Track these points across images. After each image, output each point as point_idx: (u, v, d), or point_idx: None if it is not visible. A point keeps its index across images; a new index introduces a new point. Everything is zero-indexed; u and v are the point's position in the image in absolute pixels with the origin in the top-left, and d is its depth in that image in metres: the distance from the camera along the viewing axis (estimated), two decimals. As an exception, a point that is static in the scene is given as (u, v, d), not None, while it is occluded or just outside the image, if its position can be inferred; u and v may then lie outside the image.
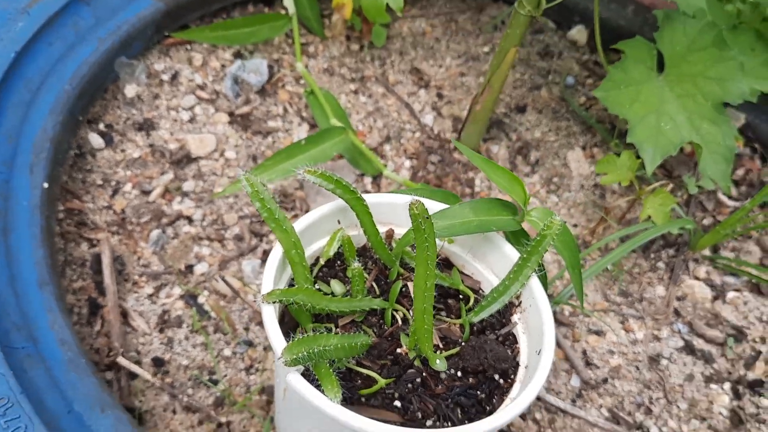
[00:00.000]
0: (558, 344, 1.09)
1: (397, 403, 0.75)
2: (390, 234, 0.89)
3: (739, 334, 1.14)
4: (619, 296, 1.18)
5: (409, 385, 0.77)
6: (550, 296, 1.11)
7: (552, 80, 1.51)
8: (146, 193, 1.15)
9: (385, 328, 0.83)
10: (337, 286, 0.85)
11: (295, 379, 0.69)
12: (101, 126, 1.20)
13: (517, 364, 0.81)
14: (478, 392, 0.78)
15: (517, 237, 0.87)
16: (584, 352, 1.10)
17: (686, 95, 1.14)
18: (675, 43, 1.16)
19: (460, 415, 0.76)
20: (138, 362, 0.97)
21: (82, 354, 0.84)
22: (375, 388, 0.75)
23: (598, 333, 1.12)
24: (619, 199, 1.29)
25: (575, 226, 1.28)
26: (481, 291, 0.90)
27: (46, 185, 0.98)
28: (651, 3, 1.50)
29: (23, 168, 0.97)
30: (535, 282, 0.83)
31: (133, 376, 0.95)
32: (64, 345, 0.83)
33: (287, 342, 0.70)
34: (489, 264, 0.89)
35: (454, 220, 0.82)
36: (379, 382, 0.76)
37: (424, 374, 0.78)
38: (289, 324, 0.82)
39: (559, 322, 1.12)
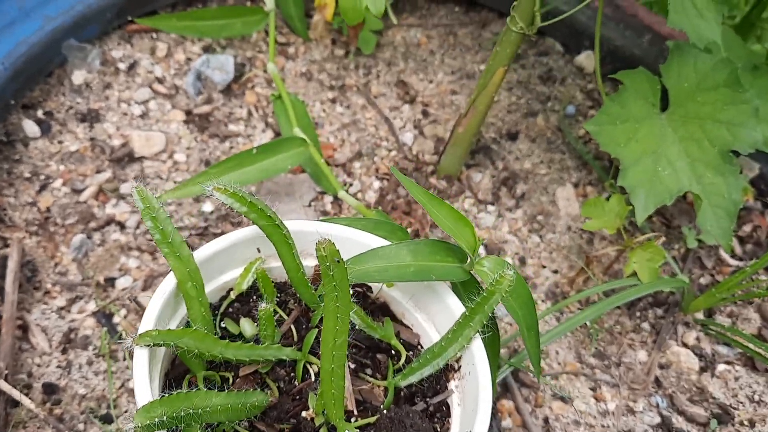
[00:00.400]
0: (517, 409, 0.95)
1: (287, 482, 0.63)
2: (319, 271, 0.77)
3: (725, 415, 1.00)
4: (594, 357, 1.04)
5: (307, 460, 0.64)
6: (510, 355, 0.98)
7: (551, 107, 1.38)
8: (77, 191, 1.04)
9: (295, 384, 0.70)
10: (247, 326, 0.72)
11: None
12: (39, 113, 1.09)
13: (444, 444, 0.68)
14: (389, 477, 0.65)
15: (467, 288, 0.74)
16: (546, 420, 0.96)
17: (690, 138, 1.01)
18: (683, 79, 1.02)
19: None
20: (28, 386, 0.85)
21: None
22: (262, 461, 0.63)
23: (564, 399, 0.98)
24: (608, 246, 1.15)
25: (555, 272, 1.14)
26: (419, 347, 0.77)
27: (-52, 174, 0.86)
28: (669, 33, 1.37)
29: (-75, 153, 0.86)
30: (477, 346, 0.70)
31: (15, 403, 0.83)
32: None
33: (156, 396, 0.57)
34: (431, 316, 0.76)
35: (388, 262, 0.69)
36: (270, 451, 0.63)
37: (329, 446, 0.66)
38: (180, 369, 0.70)
39: (521, 382, 0.98)
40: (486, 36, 1.49)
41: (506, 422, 0.94)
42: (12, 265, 0.92)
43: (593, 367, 1.03)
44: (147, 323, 0.64)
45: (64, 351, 0.90)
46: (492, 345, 0.73)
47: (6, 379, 0.82)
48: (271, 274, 0.76)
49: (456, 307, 0.73)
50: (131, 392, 0.88)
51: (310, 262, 0.77)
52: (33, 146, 1.06)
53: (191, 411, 0.56)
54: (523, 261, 1.15)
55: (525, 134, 1.33)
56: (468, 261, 0.72)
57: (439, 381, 0.72)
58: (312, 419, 0.66)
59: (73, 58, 1.12)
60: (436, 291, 0.74)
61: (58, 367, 0.88)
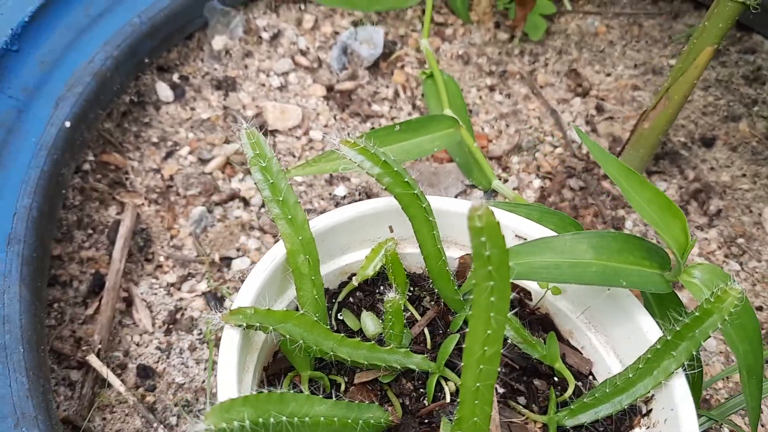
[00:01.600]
0: (704, 476, 0.73)
1: None
2: (466, 263, 0.60)
3: None
4: (814, 426, 0.79)
5: None
6: (703, 405, 0.76)
7: (758, 112, 1.13)
8: (204, 161, 0.95)
9: (424, 403, 0.53)
10: (370, 321, 0.57)
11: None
12: (175, 77, 1.01)
13: None
14: None
15: (663, 304, 0.54)
16: (743, 499, 0.73)
17: None
18: None
19: None
20: (122, 366, 0.75)
21: (27, 340, 0.63)
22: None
23: (771, 475, 0.74)
24: (835, 283, 0.89)
25: (760, 309, 0.90)
26: (591, 377, 0.58)
27: (68, 124, 0.79)
28: None
29: (47, 99, 0.80)
30: (679, 384, 0.50)
31: (108, 384, 0.73)
32: (5, 324, 0.62)
33: (246, 393, 0.43)
34: (611, 338, 0.57)
35: (561, 257, 0.51)
36: (383, 490, 0.47)
37: (463, 493, 0.48)
38: (282, 365, 0.55)
39: (712, 445, 0.76)
40: (678, 28, 1.26)
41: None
42: (123, 230, 0.83)
43: (812, 437, 0.78)
44: (244, 299, 0.50)
45: (167, 332, 0.79)
46: (695, 388, 0.53)
47: (98, 356, 0.72)
48: (405, 261, 0.60)
49: (650, 330, 0.53)
50: (231, 389, 0.75)
51: (453, 253, 0.60)
52: (164, 110, 0.98)
53: (284, 419, 0.41)
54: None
55: (723, 141, 1.09)
56: (672, 267, 0.53)
57: (621, 426, 0.53)
58: (443, 453, 0.49)
59: (215, 22, 1.04)
60: (621, 305, 0.55)
61: (158, 348, 0.77)
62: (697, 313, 0.49)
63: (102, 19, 0.89)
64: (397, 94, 1.07)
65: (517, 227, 0.58)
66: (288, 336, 0.48)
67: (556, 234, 0.55)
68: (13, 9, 0.81)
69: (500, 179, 0.99)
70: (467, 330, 0.44)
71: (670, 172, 1.05)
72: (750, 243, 0.98)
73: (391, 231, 0.60)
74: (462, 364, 0.45)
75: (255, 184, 0.51)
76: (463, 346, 0.50)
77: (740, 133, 1.11)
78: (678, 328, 0.49)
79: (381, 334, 0.56)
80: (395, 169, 0.52)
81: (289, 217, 0.51)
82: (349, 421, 0.45)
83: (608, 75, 1.18)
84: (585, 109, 1.12)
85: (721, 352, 0.85)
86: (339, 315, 0.58)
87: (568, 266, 0.51)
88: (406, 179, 0.52)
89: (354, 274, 0.60)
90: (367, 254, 0.59)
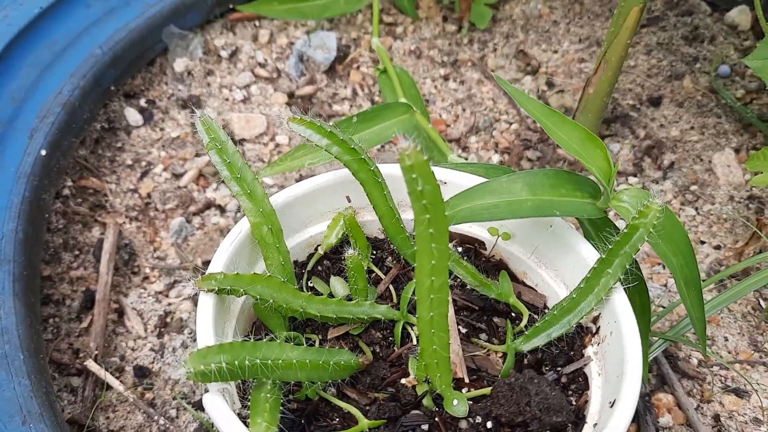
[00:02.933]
0: (678, 404, 0.77)
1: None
2: (421, 221, 0.65)
3: None
4: (777, 345, 0.83)
5: (406, 434, 0.52)
6: (662, 329, 0.81)
7: (700, 69, 1.19)
8: (177, 176, 0.99)
9: (394, 348, 0.58)
10: (338, 285, 0.62)
11: (210, 401, 0.46)
12: (142, 101, 1.06)
13: (581, 419, 0.53)
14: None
15: (599, 231, 0.59)
16: (716, 418, 0.77)
17: None
18: None
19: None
20: (119, 370, 0.79)
21: (26, 348, 0.67)
22: (349, 432, 0.51)
23: (739, 393, 0.79)
24: (784, 213, 0.94)
25: (718, 248, 0.95)
26: (546, 310, 0.63)
27: (44, 152, 0.84)
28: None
29: (21, 131, 0.85)
30: (619, 298, 0.55)
31: (108, 386, 0.77)
32: (4, 335, 0.67)
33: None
34: (559, 271, 0.62)
35: (498, 198, 0.56)
36: (360, 423, 0.51)
37: (434, 420, 0.53)
38: (260, 333, 0.60)
39: (681, 372, 0.80)
40: (617, 1, 1.33)
41: (665, 419, 0.76)
42: (107, 246, 0.88)
43: (776, 355, 0.82)
44: (214, 269, 0.55)
45: (159, 335, 0.83)
46: (640, 298, 0.58)
47: (96, 361, 0.77)
48: (365, 228, 0.65)
49: (590, 256, 0.58)
50: (225, 378, 0.79)
51: (409, 215, 0.65)
52: (135, 134, 1.03)
53: (258, 361, 0.46)
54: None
55: (670, 99, 1.15)
56: (602, 196, 0.58)
57: (573, 346, 0.58)
58: (413, 387, 0.54)
59: (174, 46, 1.10)
60: (563, 239, 0.60)
61: (152, 350, 0.81)
62: (625, 230, 0.54)
63: (66, 53, 0.95)
64: (355, 92, 1.13)
65: (459, 181, 0.63)
66: (259, 297, 0.52)
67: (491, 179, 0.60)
68: (-21, 52, 0.87)
69: (460, 159, 1.04)
70: (415, 266, 0.49)
71: (622, 133, 1.11)
72: (703, 189, 1.03)
73: (349, 201, 0.65)
74: (416, 297, 0.50)
75: (214, 166, 0.56)
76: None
77: (685, 90, 1.16)
78: (611, 246, 0.54)
79: (349, 296, 0.61)
80: (341, 138, 0.57)
81: (249, 191, 0.56)
82: (321, 362, 0.50)
83: (555, 52, 1.23)
84: (536, 86, 1.17)
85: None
86: (310, 283, 0.63)
87: (506, 205, 0.56)
88: (352, 146, 0.57)
89: (320, 245, 0.65)
90: (328, 225, 0.64)
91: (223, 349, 0.45)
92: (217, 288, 0.51)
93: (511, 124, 1.11)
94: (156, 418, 0.75)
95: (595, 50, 1.23)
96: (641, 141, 1.09)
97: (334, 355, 0.52)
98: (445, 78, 1.18)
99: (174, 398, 0.77)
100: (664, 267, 0.92)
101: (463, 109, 1.13)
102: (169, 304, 0.87)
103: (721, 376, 0.80)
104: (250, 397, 0.48)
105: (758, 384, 0.79)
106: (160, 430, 0.75)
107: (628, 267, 0.54)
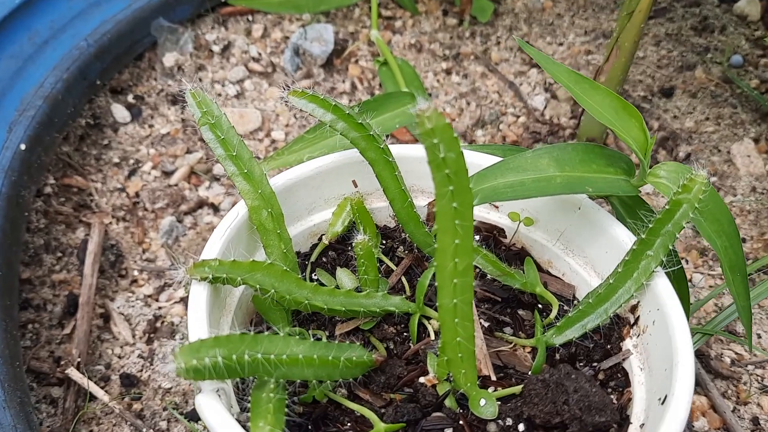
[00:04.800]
0: (713, 407, 0.71)
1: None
2: (434, 209, 0.59)
3: None
4: (814, 341, 0.78)
5: (427, 439, 0.46)
6: (697, 323, 0.75)
7: (712, 59, 1.15)
8: (168, 174, 0.94)
9: (409, 345, 0.52)
10: (345, 277, 0.56)
11: (204, 403, 0.40)
12: (129, 97, 1.01)
13: (625, 420, 0.47)
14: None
15: (632, 211, 0.53)
16: (755, 421, 0.71)
17: None
18: None
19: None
20: (105, 378, 0.73)
21: (0, 354, 0.61)
22: (363, 438, 0.45)
23: (779, 393, 0.73)
24: (812, 203, 0.89)
25: (743, 240, 0.90)
26: (575, 302, 0.57)
27: (23, 147, 0.78)
28: None
29: (1, 124, 0.78)
30: (662, 282, 0.49)
31: (92, 396, 0.70)
32: (-25, 340, 0.60)
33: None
34: (589, 258, 0.56)
35: (523, 175, 0.51)
36: (375, 427, 0.45)
37: (458, 422, 0.47)
38: (259, 329, 0.54)
39: (714, 372, 0.74)
40: (622, -7, 1.28)
41: (699, 423, 0.70)
42: (92, 247, 0.81)
43: (814, 352, 0.77)
44: (208, 256, 0.49)
45: (148, 341, 0.77)
46: (679, 287, 0.52)
47: (79, 369, 0.70)
48: (374, 216, 0.59)
49: (625, 239, 0.52)
50: (220, 386, 0.73)
51: (421, 201, 0.60)
52: (123, 131, 0.97)
53: (259, 356, 0.40)
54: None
55: (682, 89, 1.10)
56: (636, 171, 0.52)
57: (610, 339, 0.52)
58: (433, 386, 0.48)
59: (163, 40, 1.04)
60: (595, 222, 0.54)
61: (140, 357, 0.75)
62: (667, 207, 0.48)
63: (48, 45, 0.89)
64: (354, 86, 1.07)
65: (478, 161, 0.57)
66: (258, 287, 0.46)
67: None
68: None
69: (467, 152, 0.99)
70: (436, 247, 0.43)
71: (635, 125, 1.06)
72: (723, 180, 0.98)
73: (356, 186, 0.59)
74: (437, 284, 0.44)
75: (207, 144, 0.50)
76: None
77: (697, 80, 1.12)
78: (651, 225, 0.48)
79: (357, 288, 0.55)
80: (347, 112, 0.52)
81: (246, 171, 0.50)
82: (330, 358, 0.44)
83: (560, 44, 1.19)
84: (543, 78, 1.12)
85: (710, 286, 0.84)
86: (314, 275, 0.57)
87: (531, 182, 0.50)
88: (359, 121, 0.52)
89: (324, 235, 0.59)
90: (334, 211, 0.58)
91: (218, 342, 0.39)
92: (211, 276, 0.45)
93: (518, 117, 1.06)
94: (144, 430, 0.68)
95: (601, 42, 1.19)
96: (655, 133, 1.04)
97: (344, 350, 0.46)
98: (448, 72, 1.13)
99: (165, 408, 0.71)
100: (687, 262, 0.87)
101: (468, 103, 1.08)
102: (159, 308, 0.81)
103: (757, 375, 0.75)
104: (249, 398, 0.42)
105: (797, 383, 0.74)
106: (149, 444, 0.68)
107: (670, 247, 0.48)
